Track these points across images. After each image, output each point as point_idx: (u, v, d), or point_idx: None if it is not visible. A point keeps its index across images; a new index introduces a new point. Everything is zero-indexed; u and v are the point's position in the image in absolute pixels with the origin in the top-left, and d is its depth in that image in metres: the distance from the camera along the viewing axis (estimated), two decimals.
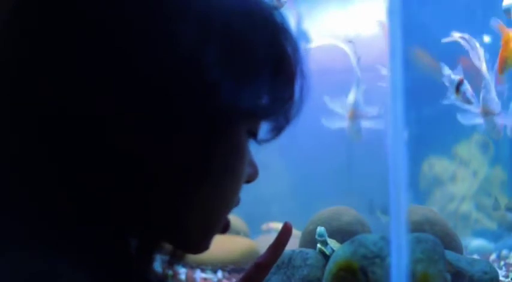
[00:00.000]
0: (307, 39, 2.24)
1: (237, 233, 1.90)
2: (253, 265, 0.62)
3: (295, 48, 0.50)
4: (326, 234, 1.28)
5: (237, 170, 0.49)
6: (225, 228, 0.52)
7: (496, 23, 1.34)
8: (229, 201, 0.50)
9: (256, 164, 0.53)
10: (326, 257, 1.26)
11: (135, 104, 0.42)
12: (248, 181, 0.52)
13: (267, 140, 0.51)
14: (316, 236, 1.29)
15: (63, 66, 0.41)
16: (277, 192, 2.36)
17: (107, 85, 0.42)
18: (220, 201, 0.49)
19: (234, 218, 2.09)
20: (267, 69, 0.48)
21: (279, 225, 2.34)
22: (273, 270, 1.19)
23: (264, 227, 2.26)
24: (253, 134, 0.50)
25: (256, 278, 0.62)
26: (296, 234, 1.37)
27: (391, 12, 0.59)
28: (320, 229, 1.29)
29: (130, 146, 0.42)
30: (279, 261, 1.20)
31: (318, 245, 1.30)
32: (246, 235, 2.00)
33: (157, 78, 0.42)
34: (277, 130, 0.51)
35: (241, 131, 0.48)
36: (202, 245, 0.51)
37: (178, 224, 0.47)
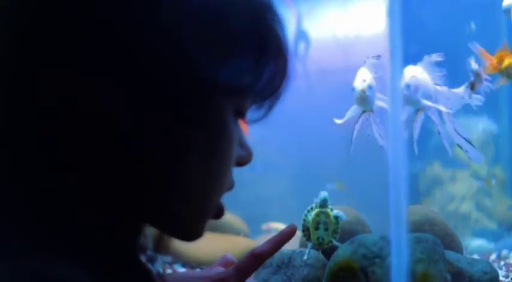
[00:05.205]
0: (307, 39, 2.24)
1: (237, 233, 1.90)
2: (248, 254, 0.62)
3: (280, 27, 0.49)
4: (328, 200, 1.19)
5: (224, 150, 0.48)
6: (219, 213, 0.51)
7: (475, 48, 1.23)
8: (219, 183, 0.49)
9: (250, 147, 0.52)
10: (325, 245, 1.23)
11: (119, 83, 0.42)
12: (240, 164, 0.51)
13: (256, 120, 0.51)
14: (318, 203, 1.19)
15: (62, 62, 0.42)
16: (277, 192, 2.36)
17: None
18: (208, 182, 0.48)
19: (234, 218, 2.10)
20: (250, 46, 0.47)
21: (279, 225, 2.35)
22: (273, 270, 1.19)
23: (264, 227, 2.27)
24: (241, 114, 0.49)
25: (249, 268, 0.62)
26: (296, 234, 1.36)
27: (391, 12, 0.59)
28: (323, 194, 1.19)
29: (118, 137, 0.42)
30: (279, 261, 1.20)
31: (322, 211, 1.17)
32: (246, 235, 2.00)
33: (134, 52, 0.42)
34: (264, 109, 0.51)
35: (227, 110, 0.47)
36: (196, 230, 0.50)
37: (168, 208, 0.47)
